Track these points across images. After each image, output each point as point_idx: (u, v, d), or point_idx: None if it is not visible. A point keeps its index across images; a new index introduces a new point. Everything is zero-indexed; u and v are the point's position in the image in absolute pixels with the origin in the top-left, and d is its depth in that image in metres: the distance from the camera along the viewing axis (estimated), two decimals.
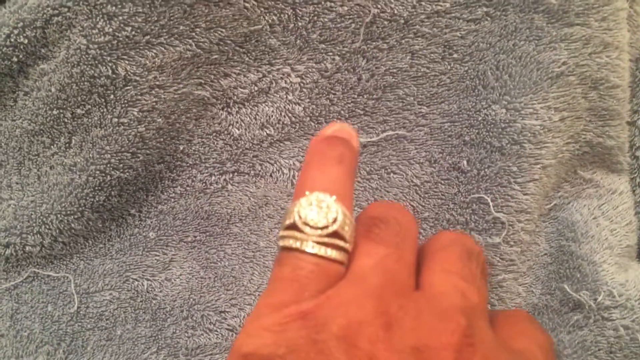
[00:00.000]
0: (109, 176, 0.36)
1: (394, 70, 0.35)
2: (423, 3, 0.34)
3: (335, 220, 0.22)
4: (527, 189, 0.34)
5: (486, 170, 0.35)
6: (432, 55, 0.35)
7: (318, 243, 0.22)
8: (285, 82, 0.36)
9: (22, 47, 0.34)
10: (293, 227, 0.22)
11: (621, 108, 0.35)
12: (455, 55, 0.35)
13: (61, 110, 0.35)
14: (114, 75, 0.33)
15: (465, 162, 0.36)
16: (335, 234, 0.22)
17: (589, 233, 0.36)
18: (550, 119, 0.33)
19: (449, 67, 0.35)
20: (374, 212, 0.25)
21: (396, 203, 0.27)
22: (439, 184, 0.37)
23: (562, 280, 0.36)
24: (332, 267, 0.22)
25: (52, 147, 0.36)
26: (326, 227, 0.22)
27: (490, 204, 0.35)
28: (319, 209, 0.22)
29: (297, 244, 0.22)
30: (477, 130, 0.35)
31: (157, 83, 0.34)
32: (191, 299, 0.38)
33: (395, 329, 0.20)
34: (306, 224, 0.22)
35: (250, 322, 0.21)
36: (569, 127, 0.35)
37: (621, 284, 0.35)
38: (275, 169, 0.37)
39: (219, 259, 0.38)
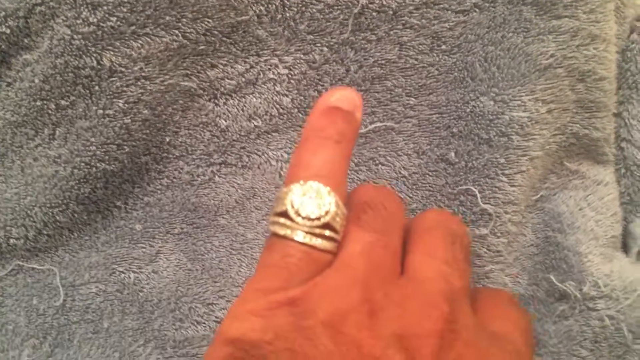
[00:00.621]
0: (94, 168, 0.35)
1: (382, 62, 0.35)
2: None
3: (327, 212, 0.22)
4: (514, 181, 0.35)
5: (474, 162, 0.35)
6: (420, 46, 0.35)
7: (309, 233, 0.22)
8: (273, 73, 0.35)
9: (4, 37, 0.33)
10: (285, 214, 0.22)
11: (608, 100, 0.35)
12: (443, 47, 0.35)
13: (45, 102, 0.34)
14: (98, 66, 0.33)
15: (453, 153, 0.36)
16: (327, 225, 0.22)
17: (575, 224, 0.36)
18: (537, 111, 0.33)
19: (437, 59, 0.35)
20: (362, 196, 0.25)
21: (384, 187, 0.27)
22: (427, 176, 0.37)
23: (548, 270, 0.36)
24: (321, 256, 0.22)
25: (35, 138, 0.35)
26: (318, 218, 0.22)
27: (478, 195, 0.35)
28: (312, 200, 0.22)
29: (288, 232, 0.22)
30: (465, 122, 0.35)
31: (143, 74, 0.33)
32: (178, 291, 0.38)
33: (380, 316, 0.21)
34: (298, 214, 0.22)
35: (237, 306, 0.21)
36: (556, 119, 0.35)
37: (606, 275, 0.35)
38: (262, 161, 0.37)
39: (206, 251, 0.38)
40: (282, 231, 0.22)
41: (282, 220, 0.22)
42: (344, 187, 0.24)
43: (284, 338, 0.20)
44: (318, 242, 0.22)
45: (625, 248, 0.39)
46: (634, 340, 0.34)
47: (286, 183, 0.24)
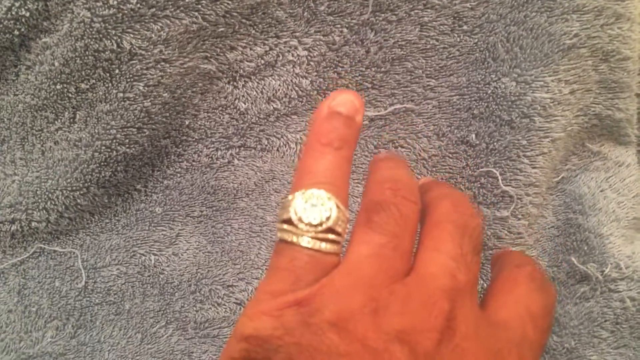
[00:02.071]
0: (114, 151, 0.35)
1: (403, 43, 0.35)
2: None
3: (329, 218, 0.23)
4: (536, 163, 0.34)
5: (495, 143, 0.35)
6: (441, 27, 0.35)
7: (313, 237, 0.23)
8: (292, 55, 0.35)
9: (23, 20, 0.33)
10: (289, 222, 0.24)
11: (631, 80, 0.35)
12: (465, 27, 0.34)
13: (65, 85, 0.34)
14: (118, 49, 0.33)
15: (473, 135, 0.35)
16: (329, 230, 0.23)
17: (597, 206, 0.36)
18: (560, 92, 0.33)
19: (458, 39, 0.35)
20: (376, 196, 0.25)
21: (399, 184, 0.27)
22: (447, 158, 0.37)
23: (569, 252, 0.36)
24: (326, 259, 0.23)
25: (56, 122, 0.36)
26: (320, 224, 0.23)
27: (499, 177, 0.35)
28: (314, 207, 0.23)
29: (294, 238, 0.23)
30: (486, 104, 0.35)
31: (163, 57, 0.33)
32: (199, 274, 0.38)
33: (383, 314, 0.22)
34: (301, 220, 0.23)
35: (250, 307, 0.23)
36: (579, 100, 0.34)
37: (628, 256, 0.35)
38: (282, 143, 0.37)
39: (225, 234, 0.38)
40: (288, 237, 0.23)
41: (287, 227, 0.24)
42: (345, 190, 0.25)
43: (293, 333, 0.21)
44: (322, 245, 0.23)
45: None
46: None
47: (291, 191, 0.25)
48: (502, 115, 0.34)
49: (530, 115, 0.33)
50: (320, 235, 0.23)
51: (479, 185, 0.36)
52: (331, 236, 0.23)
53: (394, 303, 0.22)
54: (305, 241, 0.23)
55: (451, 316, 0.22)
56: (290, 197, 0.24)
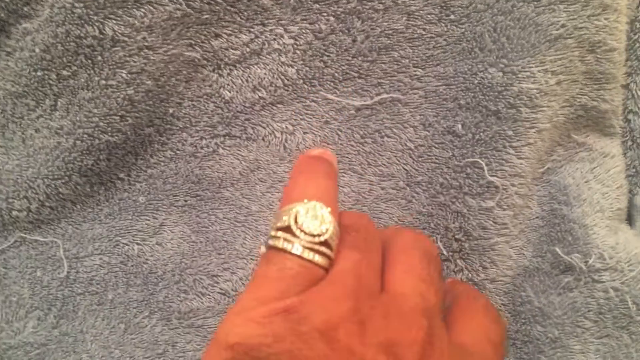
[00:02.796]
0: (97, 140, 0.35)
1: (390, 32, 0.34)
2: None
3: (327, 230, 0.24)
4: (522, 153, 0.34)
5: (481, 134, 0.35)
6: (428, 16, 0.34)
7: (307, 248, 0.24)
8: (278, 43, 0.35)
9: (3, 4, 0.32)
10: (287, 229, 0.24)
11: (617, 71, 0.35)
12: (452, 17, 0.34)
13: (46, 72, 0.33)
14: (101, 36, 0.32)
15: (460, 125, 0.35)
16: (325, 243, 0.24)
17: (581, 196, 0.36)
18: (547, 82, 0.33)
19: (445, 29, 0.34)
20: (346, 220, 0.27)
21: (363, 214, 0.31)
22: (433, 148, 0.36)
23: (554, 243, 0.36)
24: (315, 271, 0.24)
25: (37, 109, 0.35)
26: (319, 235, 0.24)
27: (485, 168, 0.35)
28: (315, 218, 0.24)
29: (289, 247, 0.24)
30: (472, 94, 0.35)
31: (146, 44, 0.33)
32: (183, 263, 0.38)
33: (368, 326, 0.23)
34: (301, 229, 0.24)
35: (235, 313, 0.23)
36: (565, 91, 0.34)
37: (612, 247, 0.35)
38: (267, 133, 0.37)
39: (210, 223, 0.38)
40: (283, 245, 0.24)
41: (283, 235, 0.24)
42: (338, 213, 0.27)
43: (283, 341, 0.21)
44: (315, 258, 0.24)
45: (630, 220, 0.39)
46: (638, 311, 0.34)
47: (285, 203, 0.26)
48: (488, 105, 0.34)
49: (516, 105, 0.33)
50: (316, 247, 0.24)
51: (465, 175, 0.36)
52: (325, 250, 0.24)
53: (376, 317, 0.23)
54: (300, 250, 0.24)
55: (430, 332, 0.24)
56: (288, 206, 0.25)
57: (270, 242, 0.25)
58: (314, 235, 0.24)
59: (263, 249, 0.26)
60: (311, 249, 0.24)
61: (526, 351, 0.37)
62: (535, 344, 0.36)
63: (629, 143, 0.38)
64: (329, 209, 0.25)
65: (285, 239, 0.24)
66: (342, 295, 0.23)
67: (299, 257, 0.24)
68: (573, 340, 0.35)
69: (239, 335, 0.22)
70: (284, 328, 0.22)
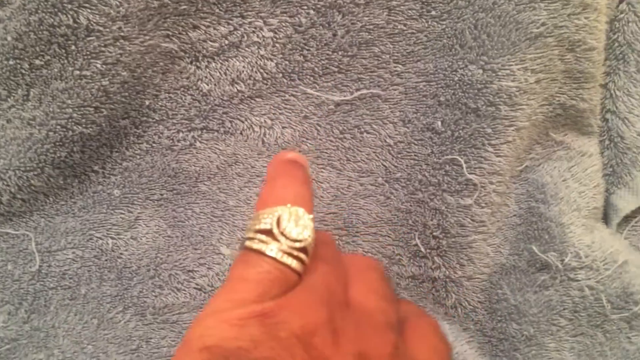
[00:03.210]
0: (70, 131, 0.34)
1: (370, 27, 0.34)
2: None
3: (309, 237, 0.24)
4: (500, 151, 0.34)
5: (460, 131, 0.35)
6: (409, 11, 0.34)
7: (286, 253, 0.24)
8: (258, 36, 0.34)
9: None
10: (267, 232, 0.24)
11: (596, 71, 0.35)
12: (433, 13, 0.34)
13: (18, 61, 0.33)
14: (75, 25, 0.31)
15: (439, 122, 0.35)
16: (303, 249, 0.24)
17: (558, 195, 0.36)
18: (526, 80, 0.33)
19: (426, 25, 0.34)
20: (316, 234, 0.27)
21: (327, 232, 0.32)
22: (413, 145, 0.36)
23: (531, 241, 0.36)
24: (291, 276, 0.24)
25: (8, 99, 0.34)
26: (299, 241, 0.24)
27: (464, 165, 0.35)
28: (297, 224, 0.24)
29: (269, 251, 0.24)
30: (452, 91, 0.35)
31: (122, 34, 0.32)
32: (158, 258, 0.37)
33: (341, 336, 0.23)
34: (283, 234, 0.24)
35: (208, 314, 0.22)
36: (544, 90, 0.34)
37: (587, 246, 0.35)
38: (245, 127, 0.36)
39: (186, 218, 0.38)
40: (261, 248, 0.24)
41: (263, 237, 0.24)
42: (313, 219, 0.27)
43: (262, 346, 0.21)
44: (293, 263, 0.24)
45: (606, 219, 0.39)
46: (613, 310, 0.35)
47: (263, 206, 0.26)
48: (468, 102, 0.34)
49: (496, 103, 0.33)
50: (295, 253, 0.24)
51: (444, 172, 0.35)
52: (302, 256, 0.24)
53: (348, 328, 0.23)
54: (279, 255, 0.23)
55: (396, 346, 0.24)
56: (269, 209, 0.25)
57: (248, 243, 0.24)
58: (294, 241, 0.24)
59: (226, 251, 0.26)
60: (290, 254, 0.24)
61: (502, 348, 0.37)
62: (510, 342, 0.36)
63: (607, 142, 0.39)
64: (311, 215, 0.25)
65: (265, 242, 0.24)
66: (317, 303, 0.23)
67: (279, 261, 0.24)
68: (548, 338, 0.35)
69: (214, 337, 0.21)
70: (261, 332, 0.21)
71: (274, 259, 0.23)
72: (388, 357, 0.24)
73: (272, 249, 0.24)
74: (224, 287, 0.24)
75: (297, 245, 0.24)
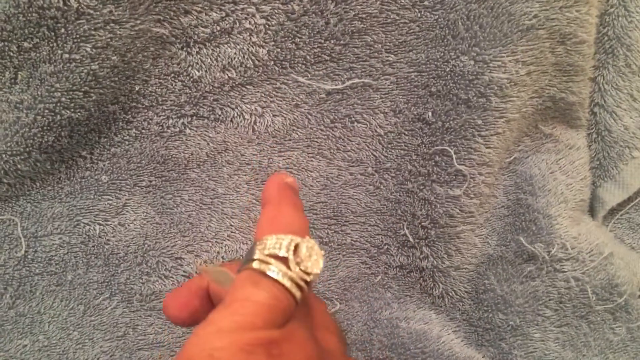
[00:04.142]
0: (58, 115, 0.34)
1: (363, 16, 0.34)
2: None
3: (318, 272, 0.24)
4: (490, 142, 0.35)
5: (451, 122, 0.35)
6: (402, 1, 0.34)
7: (295, 283, 0.23)
8: (250, 22, 0.34)
9: None
10: (282, 260, 0.24)
11: (585, 64, 0.35)
12: (426, 3, 0.34)
13: (6, 43, 0.32)
14: (65, 7, 0.31)
15: (430, 113, 0.35)
16: (308, 282, 0.24)
17: (546, 187, 0.36)
18: (517, 72, 0.33)
19: (419, 15, 0.34)
20: None
21: None
22: (403, 135, 0.36)
23: (518, 232, 0.37)
24: (293, 306, 0.24)
25: None
26: (309, 274, 0.24)
27: (453, 156, 0.35)
28: (310, 257, 0.24)
29: (284, 280, 0.23)
30: (444, 82, 0.35)
31: (113, 18, 0.32)
32: (146, 245, 0.37)
33: None
34: (298, 264, 0.24)
35: (212, 332, 0.22)
36: (535, 82, 0.35)
37: (574, 237, 0.36)
38: (236, 114, 0.36)
39: (175, 205, 0.37)
40: (276, 275, 0.23)
41: (276, 263, 0.23)
42: None
43: None
44: (298, 293, 0.23)
45: (592, 212, 0.40)
46: (597, 301, 0.35)
47: (272, 231, 0.25)
48: (459, 93, 0.34)
49: (486, 94, 0.33)
50: (302, 284, 0.23)
51: (433, 163, 0.36)
52: (307, 288, 0.24)
53: None
54: (289, 284, 0.23)
55: None
56: (287, 236, 0.24)
57: (257, 265, 0.24)
58: (306, 273, 0.24)
59: (201, 265, 0.25)
60: (298, 285, 0.23)
61: (487, 338, 0.37)
62: (496, 331, 0.37)
63: (594, 136, 0.39)
64: (323, 251, 0.25)
65: (279, 269, 0.23)
66: (310, 338, 0.24)
67: (288, 290, 0.23)
68: (533, 328, 0.36)
69: (227, 358, 0.21)
70: None
71: (286, 288, 0.23)
72: None
73: (286, 278, 0.23)
74: (230, 306, 0.23)
75: (307, 278, 0.24)
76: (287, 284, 0.23)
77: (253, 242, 0.24)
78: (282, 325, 0.23)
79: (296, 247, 0.24)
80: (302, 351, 0.22)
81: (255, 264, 0.23)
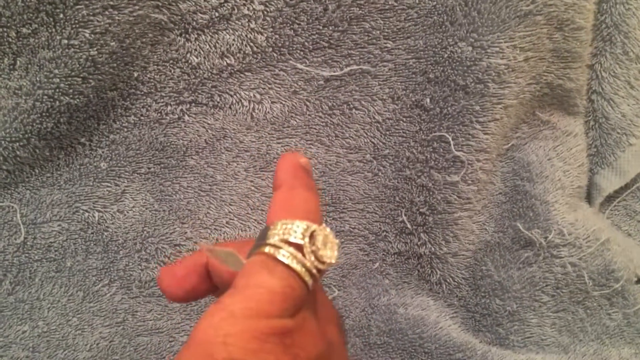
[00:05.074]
0: (57, 102, 0.34)
1: (362, 2, 0.34)
2: None
3: (333, 262, 0.23)
4: (488, 129, 0.35)
5: (449, 108, 0.35)
6: None
7: (309, 272, 0.23)
8: (248, 8, 0.34)
9: None
10: (297, 247, 0.23)
11: (583, 51, 0.35)
12: None
13: (5, 29, 0.32)
14: None
15: (428, 99, 0.35)
16: (322, 271, 0.23)
17: (544, 173, 0.36)
18: (515, 58, 0.33)
19: (417, 1, 0.34)
20: None
21: None
22: (401, 122, 0.36)
23: (515, 218, 0.37)
24: (306, 296, 0.23)
25: None
26: (324, 263, 0.23)
27: (451, 142, 0.35)
28: (326, 247, 0.23)
29: (296, 265, 0.22)
30: (442, 68, 0.35)
31: (111, 3, 0.32)
32: (145, 232, 0.37)
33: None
34: (314, 253, 0.23)
35: (224, 318, 0.21)
36: (532, 68, 0.35)
37: (571, 223, 0.36)
38: (234, 101, 0.36)
39: (174, 192, 0.37)
40: (291, 262, 0.22)
41: (292, 250, 0.23)
42: None
43: None
44: (311, 283, 0.23)
45: (589, 198, 0.40)
46: (594, 287, 0.35)
47: (286, 216, 0.24)
48: (457, 80, 0.34)
49: (484, 80, 0.34)
50: (315, 273, 0.23)
51: (432, 149, 0.36)
52: (319, 277, 0.23)
53: (335, 355, 0.24)
54: (308, 276, 0.23)
55: None
56: (303, 223, 0.24)
57: (274, 251, 0.23)
58: (321, 262, 0.23)
59: (205, 244, 0.25)
60: (311, 274, 0.23)
61: (485, 324, 0.37)
62: (493, 317, 0.37)
63: (591, 123, 0.39)
64: (337, 241, 0.24)
65: (294, 256, 0.22)
66: (320, 329, 0.23)
67: (302, 279, 0.22)
68: (530, 313, 0.36)
69: (239, 348, 0.20)
70: (281, 352, 0.21)
71: (301, 276, 0.22)
72: None
73: (301, 266, 0.22)
74: (243, 291, 0.22)
75: (320, 266, 0.23)
76: (302, 272, 0.22)
77: (266, 225, 0.24)
78: (295, 314, 0.22)
79: (312, 234, 0.23)
80: (313, 342, 0.22)
81: (268, 249, 0.23)
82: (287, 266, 0.22)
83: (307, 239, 0.23)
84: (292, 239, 0.23)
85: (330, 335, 0.25)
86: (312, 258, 0.23)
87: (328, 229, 0.24)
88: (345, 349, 0.27)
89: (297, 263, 0.22)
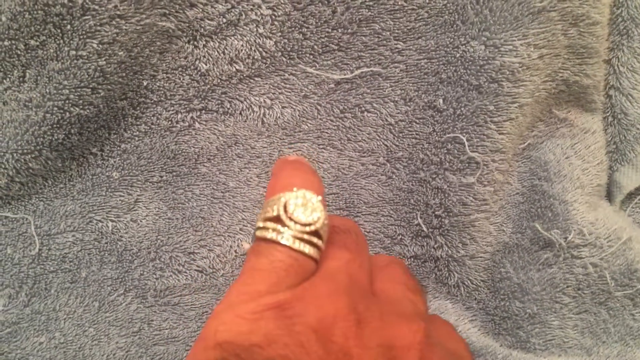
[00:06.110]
0: (67, 113, 0.34)
1: (370, 3, 0.34)
2: None
3: (319, 219, 0.23)
4: (503, 128, 0.34)
5: (462, 109, 0.34)
6: None
7: (297, 238, 0.23)
8: (256, 14, 0.34)
9: None
10: (276, 219, 0.23)
11: (599, 46, 0.35)
12: None
13: (13, 42, 0.32)
14: (70, 4, 0.31)
15: (441, 100, 0.35)
16: (315, 233, 0.23)
17: (562, 172, 0.36)
18: (529, 56, 0.33)
19: (427, 1, 0.34)
20: (335, 221, 0.26)
21: (350, 219, 0.31)
22: (414, 123, 0.36)
23: (534, 219, 0.36)
24: (306, 263, 0.23)
25: (4, 81, 0.34)
26: (309, 224, 0.23)
27: (466, 143, 0.34)
28: (305, 207, 0.23)
29: (279, 238, 0.22)
30: (454, 68, 0.34)
31: (118, 13, 0.31)
32: (158, 240, 0.37)
33: (364, 327, 0.22)
34: (291, 218, 0.23)
35: (223, 309, 0.21)
36: (547, 65, 0.34)
37: (591, 223, 0.35)
38: (244, 107, 0.36)
39: (186, 200, 0.37)
40: (272, 236, 0.23)
41: (271, 225, 0.23)
42: (326, 205, 0.26)
43: (276, 343, 0.20)
44: (306, 249, 0.23)
45: (609, 197, 0.39)
46: (616, 287, 0.35)
47: (270, 195, 0.24)
48: (470, 79, 0.34)
49: (498, 80, 0.33)
50: (306, 237, 0.23)
51: (446, 151, 0.35)
52: (316, 240, 0.23)
53: (373, 318, 0.22)
54: (290, 241, 0.22)
55: (428, 333, 0.23)
56: (276, 195, 0.24)
57: (258, 233, 0.23)
58: (304, 225, 0.23)
59: (246, 246, 0.25)
60: (302, 239, 0.23)
61: (505, 327, 0.37)
62: (514, 320, 0.36)
63: (610, 119, 0.38)
64: (319, 197, 0.24)
65: (274, 230, 0.23)
66: (336, 291, 0.22)
67: (290, 248, 0.22)
68: (551, 315, 0.35)
69: (227, 332, 0.20)
70: (276, 326, 0.20)
71: (286, 246, 0.22)
72: (418, 346, 0.22)
73: (282, 236, 0.22)
74: (238, 280, 0.22)
75: (308, 229, 0.23)
76: (288, 241, 0.22)
77: None
78: (296, 284, 0.22)
79: (286, 202, 0.23)
80: (317, 309, 0.21)
81: (257, 232, 0.23)
82: (272, 242, 0.22)
83: (281, 209, 0.23)
84: (268, 214, 0.23)
85: (390, 292, 0.25)
86: (292, 224, 0.23)
87: (303, 191, 0.24)
88: (414, 303, 0.26)
89: (278, 234, 0.23)
